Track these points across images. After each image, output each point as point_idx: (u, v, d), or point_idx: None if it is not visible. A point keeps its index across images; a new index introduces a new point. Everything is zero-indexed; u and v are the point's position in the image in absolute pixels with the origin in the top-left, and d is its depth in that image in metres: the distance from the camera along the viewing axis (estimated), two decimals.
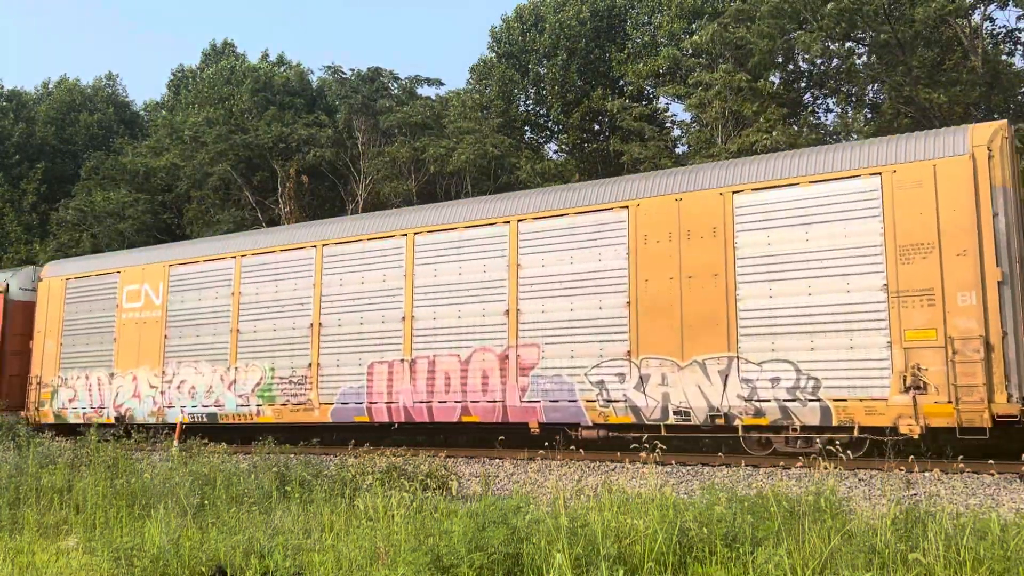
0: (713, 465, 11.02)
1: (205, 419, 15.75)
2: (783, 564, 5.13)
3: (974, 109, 21.51)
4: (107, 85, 47.35)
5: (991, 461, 9.28)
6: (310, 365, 14.63)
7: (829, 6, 21.81)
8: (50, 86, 47.15)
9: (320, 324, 14.63)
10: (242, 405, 15.33)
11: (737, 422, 11.08)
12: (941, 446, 10.21)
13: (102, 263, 18.63)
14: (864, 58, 24.48)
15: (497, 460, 12.32)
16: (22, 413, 18.43)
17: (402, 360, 13.72)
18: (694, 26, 28.53)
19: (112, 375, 17.25)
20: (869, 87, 25.03)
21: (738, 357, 11.10)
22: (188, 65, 47.10)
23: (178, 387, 16.20)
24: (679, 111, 47.63)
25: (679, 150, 28.33)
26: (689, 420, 11.37)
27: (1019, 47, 24.59)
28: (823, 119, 26.52)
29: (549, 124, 34.35)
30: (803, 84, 27.02)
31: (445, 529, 6.05)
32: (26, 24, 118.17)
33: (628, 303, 11.98)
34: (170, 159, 33.49)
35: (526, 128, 33.83)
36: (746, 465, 10.62)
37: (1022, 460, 9.77)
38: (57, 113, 42.76)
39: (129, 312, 17.27)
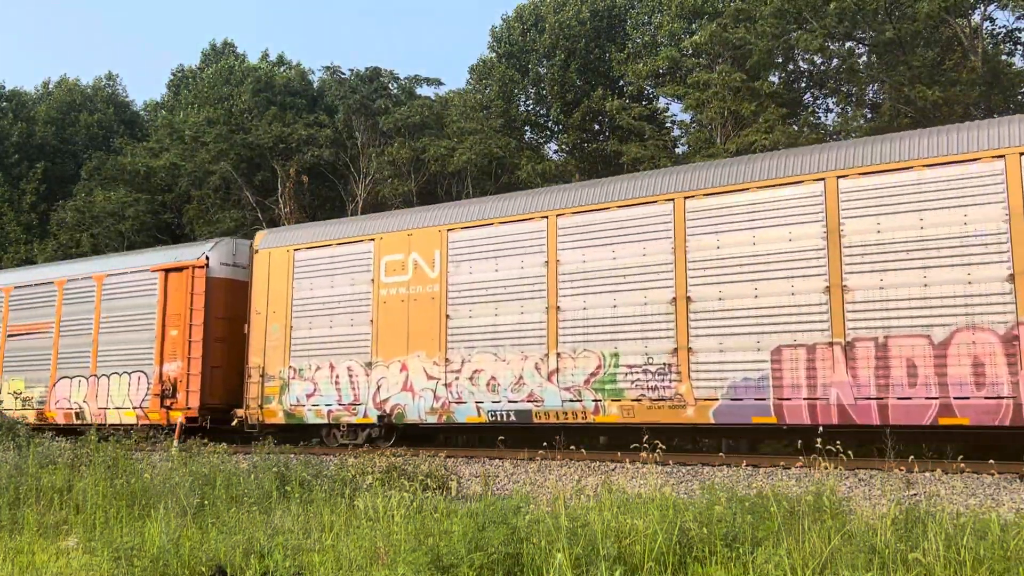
0: (713, 465, 10.97)
1: (513, 417, 12.94)
2: (783, 564, 5.14)
3: (974, 109, 21.52)
4: (107, 85, 47.40)
5: (991, 461, 9.28)
6: (675, 350, 11.77)
7: (832, 5, 21.82)
8: (50, 86, 47.21)
9: (688, 298, 11.80)
10: (571, 401, 12.46)
11: None
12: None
13: (347, 228, 15.47)
14: (864, 58, 24.50)
15: (497, 460, 12.29)
16: (238, 412, 15.45)
17: (830, 343, 10.79)
18: (694, 26, 28.53)
19: (370, 364, 14.31)
20: (869, 87, 25.06)
21: None
22: (188, 65, 47.21)
23: (470, 378, 13.33)
24: (679, 111, 47.60)
25: (679, 150, 28.34)
26: None
27: (1019, 47, 24.62)
28: (823, 119, 26.58)
29: (549, 124, 34.37)
30: (803, 84, 27.05)
31: (445, 529, 6.06)
32: (26, 24, 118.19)
33: None
34: (170, 159, 33.54)
35: (526, 128, 33.85)
36: (746, 465, 10.59)
37: (1022, 460, 9.77)
38: (57, 113, 42.79)
39: (391, 287, 14.33)
